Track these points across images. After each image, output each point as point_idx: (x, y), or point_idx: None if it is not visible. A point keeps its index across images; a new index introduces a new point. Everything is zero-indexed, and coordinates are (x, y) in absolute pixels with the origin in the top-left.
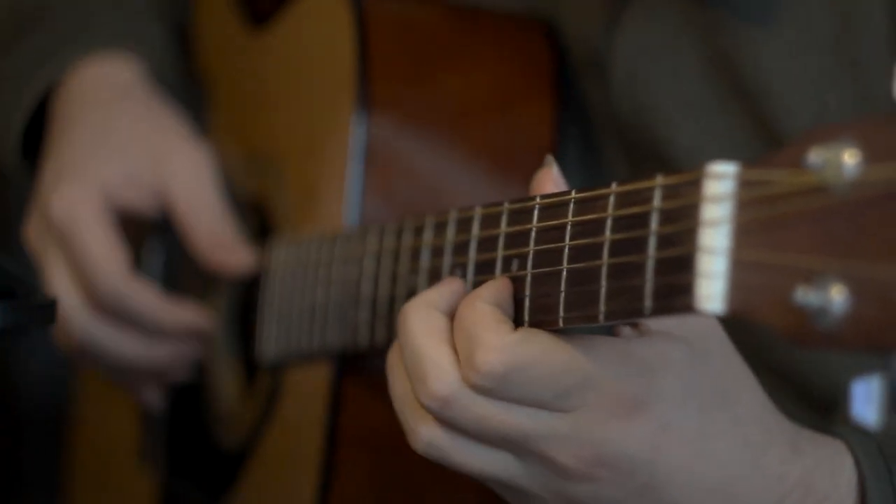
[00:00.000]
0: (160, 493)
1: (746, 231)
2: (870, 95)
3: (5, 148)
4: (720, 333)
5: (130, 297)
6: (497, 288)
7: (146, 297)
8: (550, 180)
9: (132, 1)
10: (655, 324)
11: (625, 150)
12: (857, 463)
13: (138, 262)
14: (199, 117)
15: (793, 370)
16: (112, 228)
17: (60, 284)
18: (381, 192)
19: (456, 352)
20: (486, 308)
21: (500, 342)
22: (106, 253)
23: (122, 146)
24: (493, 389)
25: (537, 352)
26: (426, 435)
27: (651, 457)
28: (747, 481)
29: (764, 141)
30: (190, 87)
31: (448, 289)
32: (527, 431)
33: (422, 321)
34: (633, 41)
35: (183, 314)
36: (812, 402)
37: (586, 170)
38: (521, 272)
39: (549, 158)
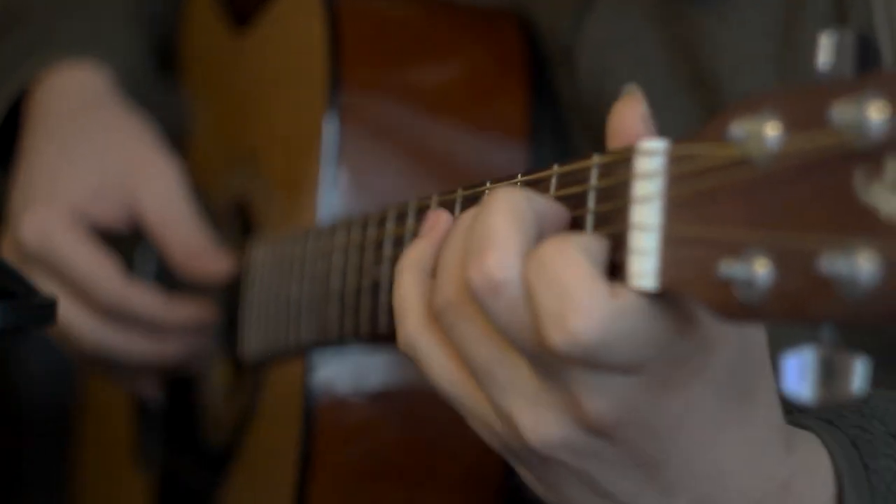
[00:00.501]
0: (157, 492)
1: (677, 206)
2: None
3: None
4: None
5: (131, 300)
6: (595, 240)
7: (147, 298)
8: (638, 116)
9: (106, 8)
10: None
11: (592, 138)
12: (833, 459)
13: (132, 266)
14: (180, 125)
15: None
16: (92, 241)
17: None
18: (354, 188)
19: (522, 246)
20: (580, 259)
21: (597, 310)
22: (95, 265)
23: (90, 159)
24: (573, 355)
25: (634, 324)
26: (411, 334)
27: (670, 433)
28: (739, 477)
29: None
30: (170, 93)
31: (550, 203)
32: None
33: (508, 202)
34: (600, 31)
35: (185, 308)
36: None
37: (560, 157)
38: None
39: (633, 87)
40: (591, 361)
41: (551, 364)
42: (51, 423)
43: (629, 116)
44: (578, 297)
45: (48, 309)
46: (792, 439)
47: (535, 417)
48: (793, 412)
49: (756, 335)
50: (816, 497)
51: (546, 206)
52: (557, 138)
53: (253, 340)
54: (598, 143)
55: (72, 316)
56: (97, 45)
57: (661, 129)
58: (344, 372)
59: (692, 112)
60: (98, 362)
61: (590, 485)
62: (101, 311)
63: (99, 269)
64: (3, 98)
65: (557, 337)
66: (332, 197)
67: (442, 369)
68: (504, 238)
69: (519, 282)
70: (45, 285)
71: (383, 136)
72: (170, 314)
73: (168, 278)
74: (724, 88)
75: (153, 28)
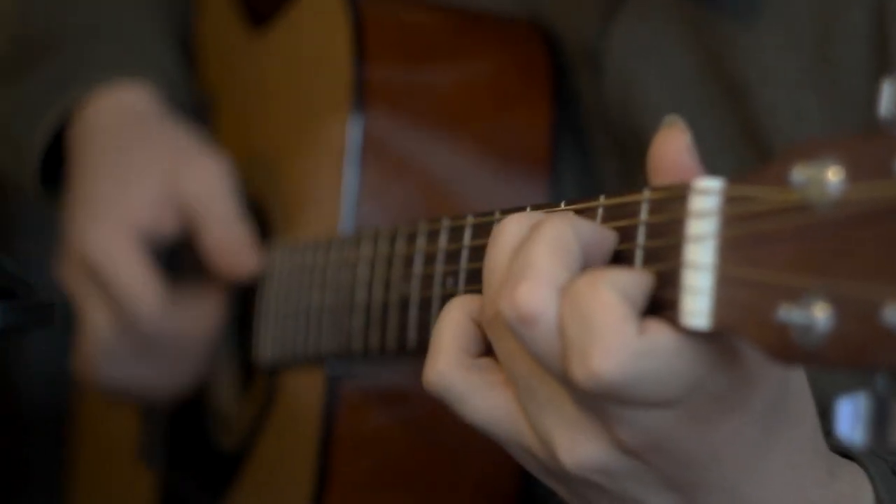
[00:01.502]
0: (161, 492)
1: (731, 247)
2: (848, 96)
3: (23, 177)
4: None
5: (167, 331)
6: (633, 277)
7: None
8: (683, 149)
9: (139, 26)
10: None
11: (616, 148)
12: (875, 489)
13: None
14: (208, 124)
15: None
16: (146, 262)
17: (97, 324)
18: (377, 194)
19: (558, 279)
20: (611, 296)
21: (622, 349)
22: (142, 288)
23: (142, 173)
24: (595, 391)
25: (660, 364)
26: (442, 371)
27: (709, 462)
28: (782, 502)
29: (747, 140)
30: (199, 96)
31: (598, 230)
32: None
33: (553, 233)
34: (626, 40)
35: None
36: None
37: (581, 169)
38: None
39: (674, 118)
40: (616, 398)
41: (584, 392)
42: (51, 422)
43: (674, 149)
44: (602, 335)
45: (48, 309)
46: (835, 466)
47: (571, 438)
48: (831, 435)
49: None
50: None
51: (593, 233)
52: (580, 147)
53: (269, 345)
54: (623, 153)
55: (103, 340)
56: (135, 65)
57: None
58: (362, 380)
59: (719, 121)
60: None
61: None
62: (135, 338)
63: (143, 292)
64: (46, 125)
65: (579, 372)
66: (353, 201)
67: (479, 404)
68: (542, 271)
69: (553, 314)
70: (94, 306)
71: (406, 141)
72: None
73: (179, 271)
74: (752, 99)
75: (178, 34)
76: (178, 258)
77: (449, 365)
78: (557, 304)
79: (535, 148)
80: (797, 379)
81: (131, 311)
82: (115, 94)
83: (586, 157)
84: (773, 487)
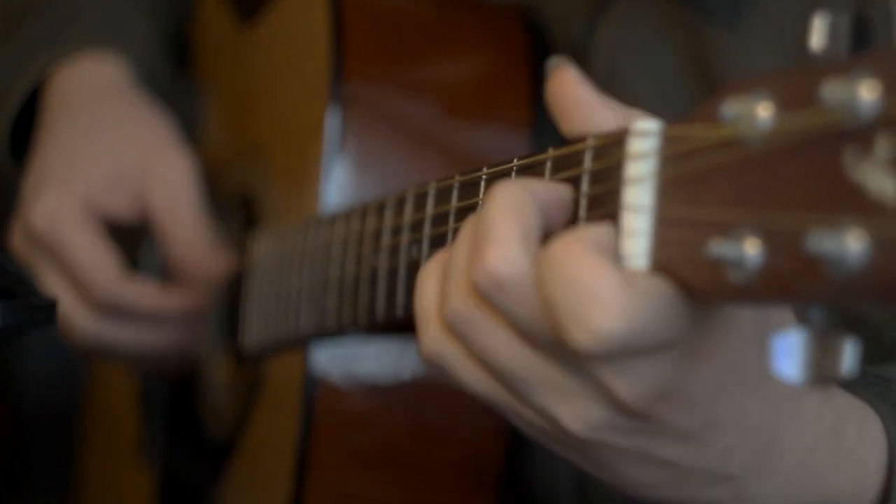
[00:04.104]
0: (160, 487)
1: (669, 187)
2: None
3: None
4: None
5: (127, 296)
6: (601, 230)
7: (143, 292)
8: (570, 81)
9: (122, 0)
10: None
11: None
12: (886, 429)
13: (136, 260)
14: (195, 116)
15: None
16: (97, 232)
17: (56, 292)
18: (357, 181)
19: (523, 238)
20: (592, 257)
21: (615, 302)
22: (96, 257)
23: (105, 150)
24: (602, 352)
25: (655, 308)
26: (433, 344)
27: (712, 399)
28: (790, 422)
29: None
30: (184, 85)
31: (551, 186)
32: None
33: (505, 196)
34: (613, 37)
35: (180, 297)
36: None
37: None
38: None
39: (558, 60)
40: (620, 353)
41: (571, 356)
42: (54, 422)
43: (569, 83)
44: (594, 294)
45: (48, 309)
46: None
47: (571, 408)
48: None
49: None
50: (865, 458)
51: (547, 190)
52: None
53: (254, 332)
54: None
55: (69, 306)
56: (114, 37)
57: None
58: (343, 362)
59: None
60: (97, 352)
61: (646, 458)
62: (96, 303)
63: (97, 258)
64: (19, 89)
65: (581, 337)
66: (333, 189)
67: (472, 375)
68: (503, 232)
69: (523, 274)
70: (48, 272)
71: (386, 128)
72: (164, 303)
73: (170, 272)
74: None
75: (169, 20)
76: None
77: (436, 332)
78: (527, 263)
79: (516, 131)
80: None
81: (83, 277)
82: (84, 65)
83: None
84: (780, 408)
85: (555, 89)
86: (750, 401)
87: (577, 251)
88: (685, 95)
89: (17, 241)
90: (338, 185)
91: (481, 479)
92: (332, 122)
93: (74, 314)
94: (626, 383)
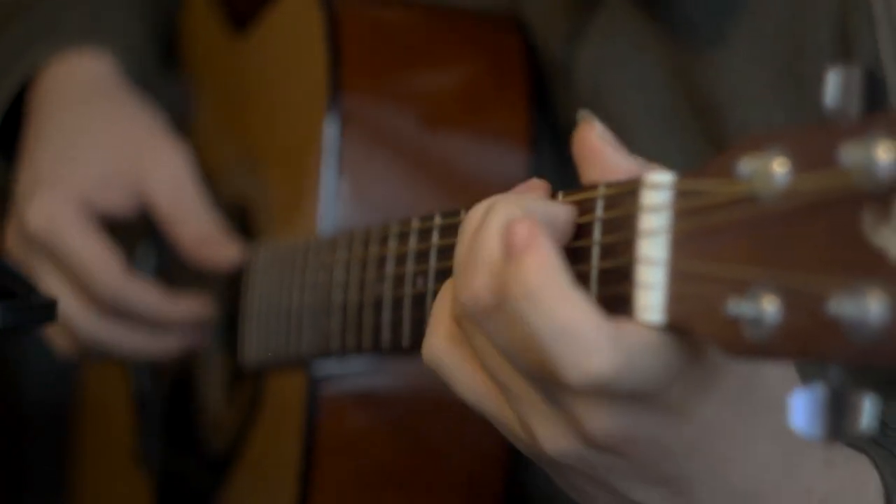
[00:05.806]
0: (156, 496)
1: (683, 241)
2: (817, 112)
3: None
4: None
5: (130, 295)
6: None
7: (145, 293)
8: (594, 134)
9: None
10: None
11: None
12: (882, 477)
13: (132, 260)
14: (184, 114)
15: None
16: (96, 231)
17: (56, 292)
18: (354, 195)
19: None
20: (580, 299)
21: (606, 348)
22: (97, 256)
23: (97, 147)
24: (588, 390)
25: (643, 358)
26: (433, 344)
27: (688, 452)
28: (776, 490)
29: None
30: (173, 84)
31: (554, 208)
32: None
33: (503, 213)
34: (596, 51)
35: (182, 303)
36: None
37: (562, 165)
38: None
39: (586, 113)
40: (601, 393)
41: (550, 388)
42: (51, 423)
43: (592, 137)
44: (582, 337)
45: (48, 309)
46: (833, 455)
47: (547, 431)
48: None
49: None
50: None
51: (546, 210)
52: (556, 145)
53: (253, 347)
54: None
55: (69, 306)
56: (100, 33)
57: (658, 152)
58: (345, 380)
59: (689, 137)
60: (95, 353)
61: (615, 493)
62: (98, 303)
63: (99, 260)
64: (7, 87)
65: (573, 376)
66: (331, 203)
67: (466, 381)
68: (485, 255)
69: (502, 294)
70: (46, 272)
71: (383, 142)
72: (167, 308)
73: (168, 273)
74: (722, 115)
75: (157, 15)
76: (168, 257)
77: (439, 338)
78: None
79: (514, 145)
80: (773, 366)
81: (85, 276)
82: (73, 61)
83: (566, 157)
84: (766, 476)
85: (580, 140)
86: (735, 463)
87: (564, 292)
88: (667, 108)
89: (13, 242)
90: (335, 199)
91: (482, 498)
92: (329, 137)
93: (74, 314)
94: (597, 420)
